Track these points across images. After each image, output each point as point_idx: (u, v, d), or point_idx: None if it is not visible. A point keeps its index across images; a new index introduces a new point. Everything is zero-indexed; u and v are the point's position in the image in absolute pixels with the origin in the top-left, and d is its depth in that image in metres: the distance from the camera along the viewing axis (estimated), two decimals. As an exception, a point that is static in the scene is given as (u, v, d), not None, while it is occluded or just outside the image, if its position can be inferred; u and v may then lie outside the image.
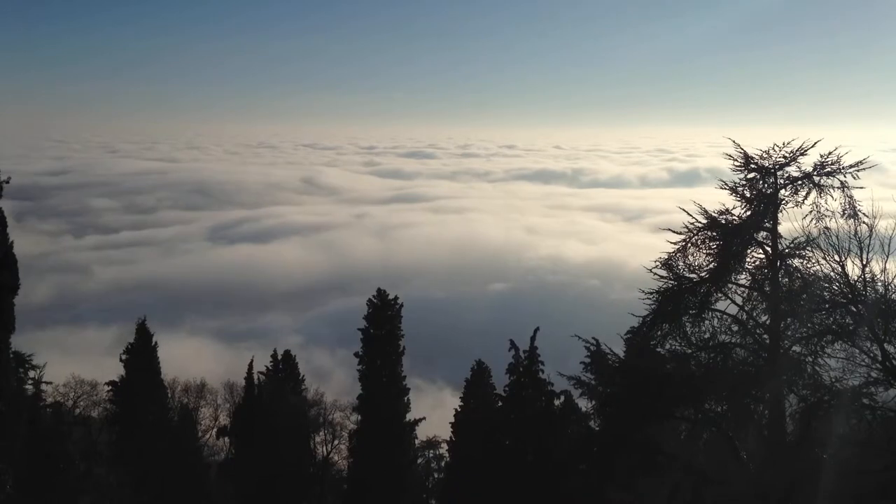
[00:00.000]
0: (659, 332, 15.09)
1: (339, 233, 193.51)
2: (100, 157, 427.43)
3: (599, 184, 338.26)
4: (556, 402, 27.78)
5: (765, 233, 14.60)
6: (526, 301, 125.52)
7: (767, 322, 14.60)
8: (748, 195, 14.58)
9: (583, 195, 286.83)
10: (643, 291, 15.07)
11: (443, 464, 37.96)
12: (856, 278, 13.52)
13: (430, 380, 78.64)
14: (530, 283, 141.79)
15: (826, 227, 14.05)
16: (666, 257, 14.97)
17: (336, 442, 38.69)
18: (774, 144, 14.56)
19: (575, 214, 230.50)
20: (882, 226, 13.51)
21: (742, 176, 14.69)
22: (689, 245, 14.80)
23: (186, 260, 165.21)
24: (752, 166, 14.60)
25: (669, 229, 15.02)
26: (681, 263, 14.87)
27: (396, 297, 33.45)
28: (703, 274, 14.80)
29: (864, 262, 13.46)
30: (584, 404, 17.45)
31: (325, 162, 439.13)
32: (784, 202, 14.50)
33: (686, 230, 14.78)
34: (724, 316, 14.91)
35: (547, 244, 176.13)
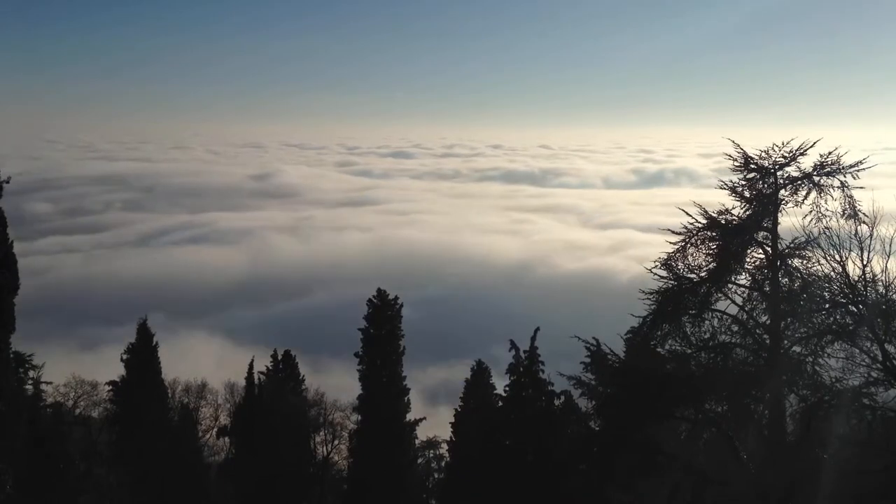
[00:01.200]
0: (659, 333, 15.07)
1: (274, 236, 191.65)
2: (74, 158, 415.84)
3: (566, 184, 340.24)
4: (556, 403, 27.76)
5: (764, 233, 14.59)
6: (437, 304, 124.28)
7: (767, 322, 14.58)
8: (748, 195, 14.57)
9: (542, 195, 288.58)
10: (643, 292, 15.06)
11: (443, 464, 37.96)
12: (856, 278, 13.51)
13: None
14: (447, 284, 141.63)
15: (826, 227, 14.05)
16: (665, 257, 14.95)
17: (336, 442, 38.71)
18: (774, 144, 14.56)
19: (524, 215, 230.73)
20: (882, 226, 13.51)
21: (741, 176, 14.68)
22: (689, 245, 14.79)
23: (93, 269, 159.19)
24: (752, 166, 14.59)
25: (670, 230, 15.00)
26: (680, 264, 14.86)
27: (397, 297, 33.41)
28: (702, 274, 14.79)
29: (865, 262, 13.46)
30: (584, 404, 17.43)
31: (302, 162, 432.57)
32: (784, 202, 14.49)
33: (685, 230, 14.77)
34: (725, 316, 14.89)
35: (480, 244, 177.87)
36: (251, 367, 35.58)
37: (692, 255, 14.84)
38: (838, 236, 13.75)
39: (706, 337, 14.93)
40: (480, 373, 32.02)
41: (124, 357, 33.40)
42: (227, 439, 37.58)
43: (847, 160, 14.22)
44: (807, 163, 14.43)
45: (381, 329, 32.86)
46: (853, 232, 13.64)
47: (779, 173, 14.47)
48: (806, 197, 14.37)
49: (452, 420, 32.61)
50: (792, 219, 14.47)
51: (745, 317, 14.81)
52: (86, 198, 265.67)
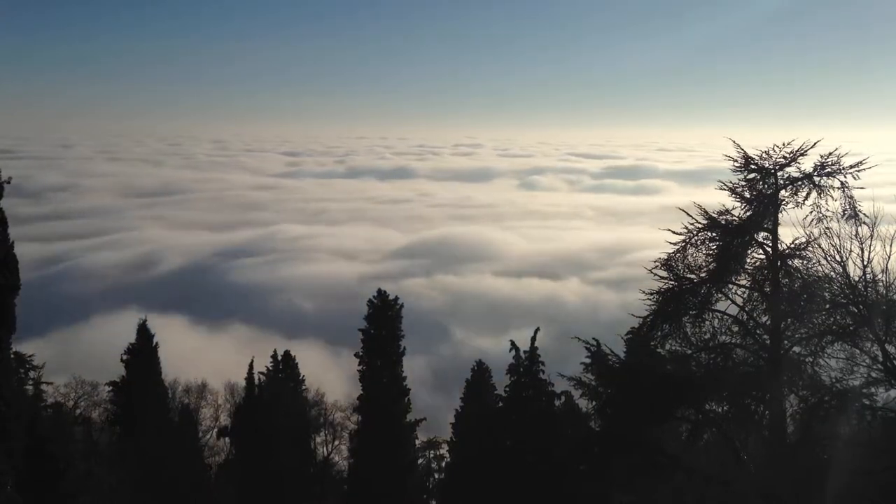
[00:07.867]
0: (659, 333, 15.04)
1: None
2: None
3: (422, 178, 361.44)
4: (557, 403, 27.78)
5: (765, 233, 14.57)
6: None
7: (768, 323, 14.56)
8: (748, 196, 14.56)
9: (365, 188, 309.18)
10: (643, 292, 15.05)
11: (443, 464, 37.98)
12: (857, 279, 13.51)
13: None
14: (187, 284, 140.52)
15: (826, 228, 14.03)
16: (666, 258, 14.95)
17: (336, 442, 38.76)
18: (774, 145, 14.54)
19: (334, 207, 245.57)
20: (882, 226, 13.51)
21: (742, 176, 14.67)
22: (689, 245, 14.78)
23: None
24: (752, 167, 14.58)
25: (670, 230, 14.98)
26: (680, 264, 14.86)
27: (397, 298, 33.43)
28: (703, 274, 14.77)
29: (865, 263, 13.45)
30: (584, 405, 17.44)
31: (188, 163, 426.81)
32: (784, 203, 14.47)
33: (686, 231, 14.76)
34: (725, 316, 14.86)
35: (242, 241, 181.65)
36: (251, 367, 35.62)
37: (692, 255, 14.83)
38: (839, 237, 13.73)
39: (706, 337, 14.90)
40: (480, 373, 32.04)
41: (124, 357, 33.43)
42: (227, 439, 37.62)
43: (847, 161, 14.19)
44: (807, 163, 14.42)
45: (382, 329, 32.87)
46: (854, 232, 13.63)
47: (779, 174, 14.46)
48: (806, 197, 14.34)
49: (453, 420, 32.64)
50: (792, 219, 14.46)
51: (745, 317, 14.78)
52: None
